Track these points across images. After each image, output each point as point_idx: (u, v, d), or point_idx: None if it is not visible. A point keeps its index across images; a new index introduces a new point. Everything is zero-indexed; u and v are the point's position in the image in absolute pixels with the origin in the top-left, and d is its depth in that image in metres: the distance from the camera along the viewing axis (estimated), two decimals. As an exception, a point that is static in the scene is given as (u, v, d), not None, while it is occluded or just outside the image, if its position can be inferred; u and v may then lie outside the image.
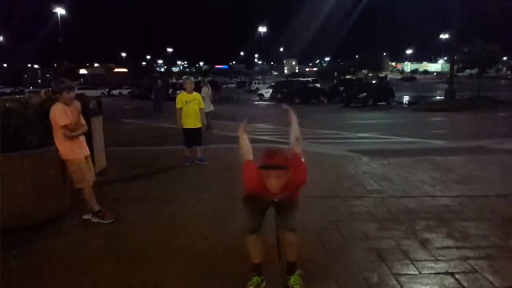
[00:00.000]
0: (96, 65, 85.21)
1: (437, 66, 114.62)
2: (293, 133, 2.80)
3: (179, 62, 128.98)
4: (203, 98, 7.76)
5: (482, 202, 4.53)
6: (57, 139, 3.87)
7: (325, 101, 28.86)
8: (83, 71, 77.60)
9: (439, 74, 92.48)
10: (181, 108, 6.54)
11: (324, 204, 4.50)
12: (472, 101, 22.96)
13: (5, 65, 73.07)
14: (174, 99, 7.12)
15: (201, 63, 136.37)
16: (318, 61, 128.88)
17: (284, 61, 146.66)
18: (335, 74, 64.72)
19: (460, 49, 26.08)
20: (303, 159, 2.58)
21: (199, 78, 20.69)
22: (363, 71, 71.59)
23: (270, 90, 33.36)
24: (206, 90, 11.05)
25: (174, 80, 45.70)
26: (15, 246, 3.47)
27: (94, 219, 4.03)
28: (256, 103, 31.27)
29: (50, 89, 4.29)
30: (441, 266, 2.98)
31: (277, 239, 3.32)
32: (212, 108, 11.14)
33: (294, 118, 2.91)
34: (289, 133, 2.84)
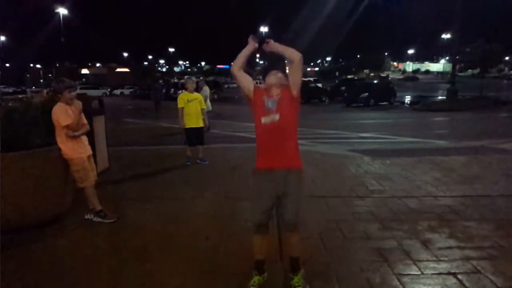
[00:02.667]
0: (98, 65, 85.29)
1: (439, 66, 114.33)
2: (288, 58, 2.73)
3: (180, 62, 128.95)
4: (205, 97, 7.78)
5: (484, 202, 4.52)
6: (60, 138, 3.88)
7: (326, 101, 28.83)
8: (85, 71, 77.67)
9: (440, 74, 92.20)
10: (182, 108, 6.55)
11: (326, 204, 4.49)
12: (474, 101, 22.93)
13: (7, 64, 73.21)
14: (175, 99, 7.14)
15: (203, 63, 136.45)
16: (319, 61, 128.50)
17: (286, 61, 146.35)
18: (337, 73, 64.77)
19: (462, 49, 26.03)
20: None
21: (201, 78, 20.69)
22: (364, 70, 71.62)
23: (272, 90, 33.20)
24: (207, 89, 11.07)
25: (175, 80, 45.75)
26: (16, 246, 3.48)
27: (96, 219, 4.03)
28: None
29: (52, 88, 4.29)
30: (443, 267, 2.97)
31: (278, 238, 3.31)
32: (211, 108, 11.16)
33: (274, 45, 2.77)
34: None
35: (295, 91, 2.70)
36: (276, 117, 2.61)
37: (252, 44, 2.81)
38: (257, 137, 2.72)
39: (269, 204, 2.62)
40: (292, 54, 2.68)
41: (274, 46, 2.75)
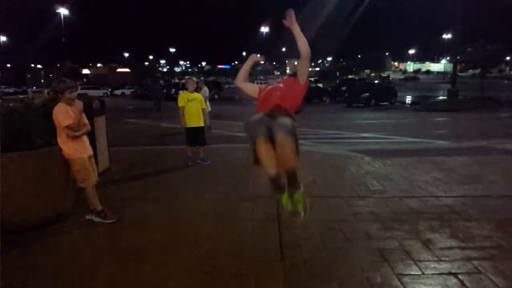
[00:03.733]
0: (99, 65, 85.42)
1: (440, 66, 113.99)
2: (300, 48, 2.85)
3: (181, 62, 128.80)
4: (205, 98, 7.79)
5: (485, 202, 4.51)
6: (60, 139, 3.88)
7: (327, 101, 28.84)
8: (86, 71, 77.83)
9: (441, 74, 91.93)
10: (183, 107, 6.57)
11: (327, 204, 4.49)
12: (474, 101, 22.88)
13: (8, 65, 73.23)
14: (176, 99, 7.16)
15: (204, 63, 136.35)
16: (320, 61, 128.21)
17: (286, 61, 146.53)
18: (338, 74, 64.78)
19: (462, 49, 26.01)
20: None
21: (201, 78, 20.77)
22: (365, 71, 71.61)
23: (272, 90, 33.21)
24: (207, 90, 11.07)
25: (176, 80, 45.77)
26: (16, 246, 3.48)
27: (97, 219, 4.04)
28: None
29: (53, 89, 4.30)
30: (444, 267, 2.97)
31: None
32: (210, 108, 11.16)
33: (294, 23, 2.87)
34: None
35: (302, 81, 2.92)
36: (278, 83, 2.90)
37: (253, 58, 3.07)
38: (257, 105, 2.91)
39: (262, 127, 2.56)
40: (302, 46, 2.83)
41: (295, 25, 2.87)
